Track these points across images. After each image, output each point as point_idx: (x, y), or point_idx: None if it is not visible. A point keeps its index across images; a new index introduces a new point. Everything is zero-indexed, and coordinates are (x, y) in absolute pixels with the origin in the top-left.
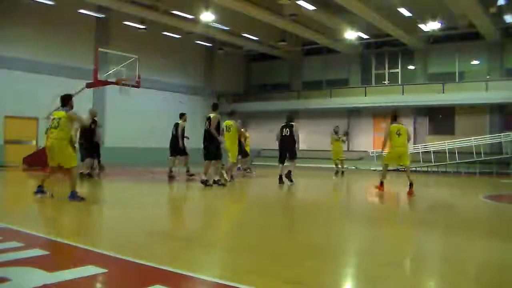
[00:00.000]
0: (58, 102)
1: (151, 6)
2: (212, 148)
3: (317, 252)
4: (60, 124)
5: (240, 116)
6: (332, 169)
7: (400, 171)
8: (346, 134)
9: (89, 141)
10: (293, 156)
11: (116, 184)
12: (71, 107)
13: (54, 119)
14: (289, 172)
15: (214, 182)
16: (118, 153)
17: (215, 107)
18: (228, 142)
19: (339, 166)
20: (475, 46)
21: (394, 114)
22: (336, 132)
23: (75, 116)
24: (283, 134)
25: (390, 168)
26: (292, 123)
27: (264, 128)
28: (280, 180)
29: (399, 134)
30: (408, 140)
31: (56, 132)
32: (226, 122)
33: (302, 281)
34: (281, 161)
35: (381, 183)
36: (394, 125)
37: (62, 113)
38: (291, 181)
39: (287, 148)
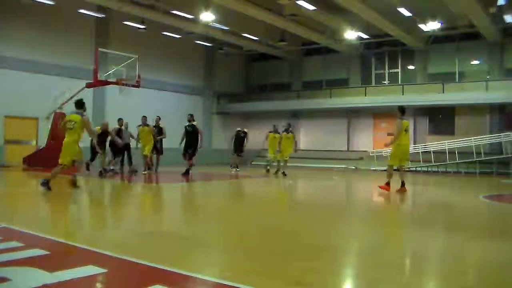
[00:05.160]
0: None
1: (151, 6)
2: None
3: (318, 252)
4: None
5: (240, 116)
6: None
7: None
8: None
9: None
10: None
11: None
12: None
13: (70, 121)
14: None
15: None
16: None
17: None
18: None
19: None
20: (475, 46)
21: (403, 108)
22: (286, 130)
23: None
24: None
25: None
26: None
27: (264, 128)
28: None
29: (406, 131)
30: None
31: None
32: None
33: (302, 281)
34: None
35: (388, 183)
36: (404, 121)
37: (77, 117)
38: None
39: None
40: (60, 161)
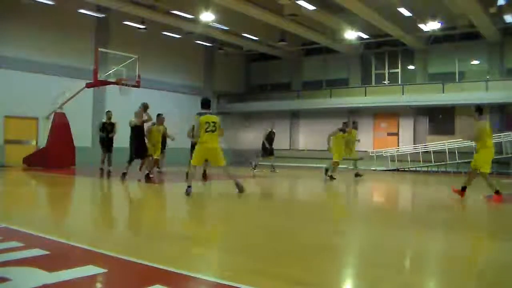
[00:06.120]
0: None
1: (151, 6)
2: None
3: (319, 252)
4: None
5: (240, 116)
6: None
7: (400, 170)
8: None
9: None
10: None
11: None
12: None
13: (208, 122)
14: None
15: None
16: (119, 153)
17: None
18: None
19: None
20: (475, 46)
21: (481, 108)
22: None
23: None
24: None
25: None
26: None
27: (264, 128)
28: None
29: (491, 134)
30: None
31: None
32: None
33: (302, 281)
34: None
35: (464, 188)
36: (485, 121)
37: (215, 117)
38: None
39: None
40: (222, 164)
